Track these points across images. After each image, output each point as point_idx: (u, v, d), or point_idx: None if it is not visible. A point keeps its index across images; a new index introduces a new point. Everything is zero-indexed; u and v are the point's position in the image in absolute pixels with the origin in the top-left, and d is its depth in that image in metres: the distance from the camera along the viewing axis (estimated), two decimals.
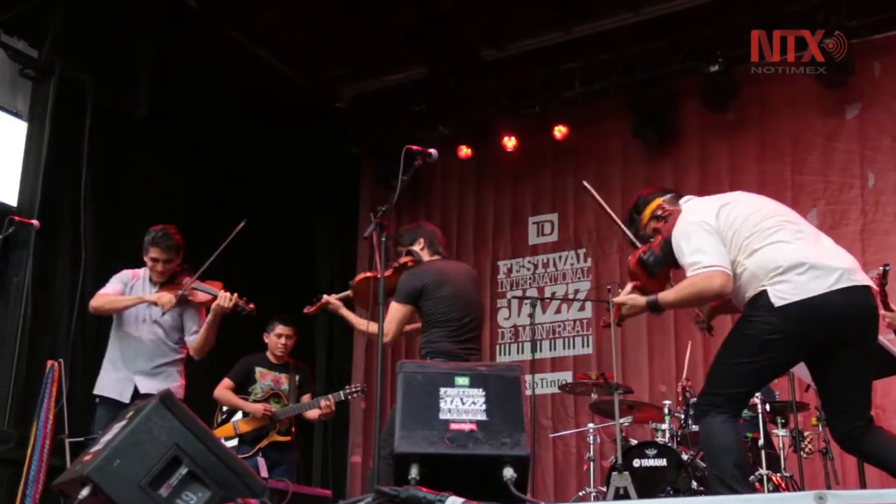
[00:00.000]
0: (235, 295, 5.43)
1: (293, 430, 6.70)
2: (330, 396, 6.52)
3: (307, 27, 8.78)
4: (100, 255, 7.23)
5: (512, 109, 9.36)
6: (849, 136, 8.07)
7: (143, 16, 7.79)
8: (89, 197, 7.26)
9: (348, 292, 5.43)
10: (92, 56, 7.50)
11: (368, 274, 5.37)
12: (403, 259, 5.33)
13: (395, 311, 5.11)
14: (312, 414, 6.59)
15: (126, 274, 5.65)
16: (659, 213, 4.26)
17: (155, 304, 5.39)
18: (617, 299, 4.23)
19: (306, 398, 6.71)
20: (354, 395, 6.64)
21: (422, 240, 5.40)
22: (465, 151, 9.54)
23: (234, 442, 6.48)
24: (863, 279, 3.87)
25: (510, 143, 9.37)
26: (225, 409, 6.66)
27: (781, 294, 3.74)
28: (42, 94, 7.32)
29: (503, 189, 9.72)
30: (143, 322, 5.50)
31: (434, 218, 9.96)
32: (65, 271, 7.18)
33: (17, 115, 7.35)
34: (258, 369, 6.65)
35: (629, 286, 4.27)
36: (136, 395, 5.35)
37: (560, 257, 9.27)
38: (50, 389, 6.08)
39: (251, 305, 5.52)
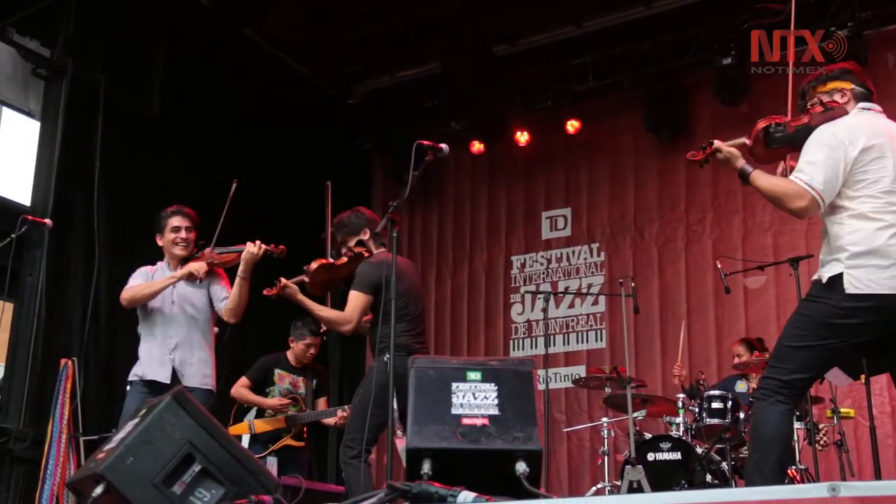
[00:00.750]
0: (262, 243, 5.31)
1: (305, 433, 6.70)
2: (346, 407, 6.46)
3: (319, 24, 8.78)
4: (113, 254, 7.26)
5: (524, 104, 9.35)
6: None
7: (155, 14, 7.82)
8: (102, 196, 7.28)
9: (303, 277, 5.27)
10: (104, 55, 7.53)
11: (324, 261, 5.31)
12: (358, 248, 5.25)
13: (358, 300, 5.08)
14: (329, 420, 6.59)
15: (144, 269, 5.55)
16: (837, 96, 4.04)
17: (190, 276, 5.29)
18: (719, 143, 4.01)
19: (322, 401, 6.71)
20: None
21: (367, 230, 5.34)
22: (477, 147, 9.55)
23: (248, 440, 6.48)
24: None
25: (523, 138, 9.36)
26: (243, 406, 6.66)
27: (856, 282, 3.61)
28: (54, 93, 7.35)
29: (516, 184, 9.71)
30: (173, 303, 5.38)
31: (447, 213, 9.98)
32: (78, 270, 7.21)
33: (29, 114, 7.39)
34: (277, 371, 6.63)
35: (740, 140, 4.07)
36: (175, 379, 5.21)
37: (573, 252, 9.26)
38: (64, 387, 6.11)
39: (281, 247, 5.40)
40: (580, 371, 8.58)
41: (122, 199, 7.61)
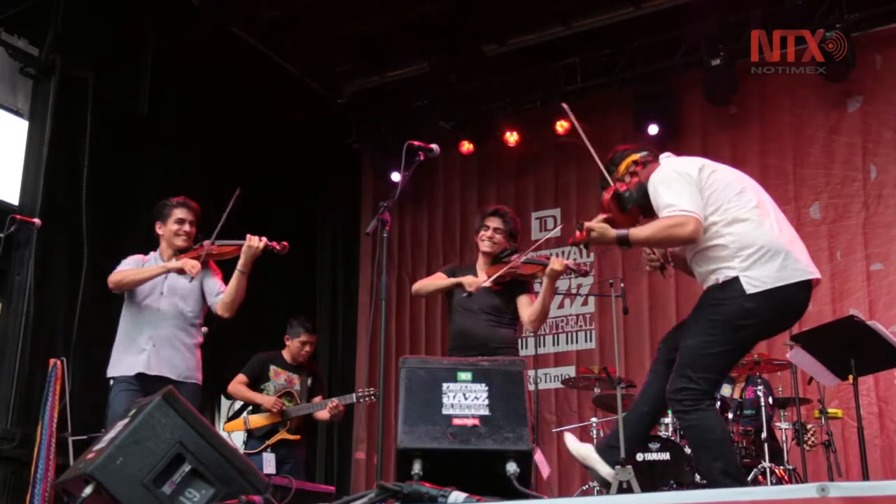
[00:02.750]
0: (265, 238, 5.24)
1: (303, 428, 6.71)
2: (335, 399, 6.51)
3: (309, 23, 8.78)
4: (101, 253, 7.22)
5: (514, 104, 9.36)
6: (851, 129, 8.06)
7: (144, 13, 7.80)
8: (90, 195, 7.26)
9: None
10: (92, 54, 7.51)
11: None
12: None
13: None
14: (322, 414, 6.60)
15: (135, 257, 5.43)
16: (633, 168, 4.29)
17: (181, 271, 5.14)
18: (589, 224, 4.11)
19: (317, 400, 6.74)
20: (366, 399, 6.63)
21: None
22: (467, 146, 9.54)
23: (243, 436, 6.50)
24: (816, 272, 3.93)
25: (512, 137, 9.35)
26: (237, 404, 6.67)
27: (753, 281, 3.77)
28: (43, 92, 7.33)
29: (505, 184, 9.71)
30: (161, 294, 5.27)
31: (437, 213, 9.98)
32: (66, 269, 7.19)
33: (17, 113, 7.36)
34: (273, 367, 6.66)
35: (601, 216, 4.20)
36: (158, 372, 5.12)
37: (563, 252, 9.24)
38: (54, 388, 6.09)
39: (283, 243, 5.30)
40: (570, 371, 8.59)
41: (111, 197, 7.59)
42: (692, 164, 4.04)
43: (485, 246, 5.45)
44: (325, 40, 9.14)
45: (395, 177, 8.96)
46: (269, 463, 6.31)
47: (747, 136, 8.45)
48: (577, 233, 4.18)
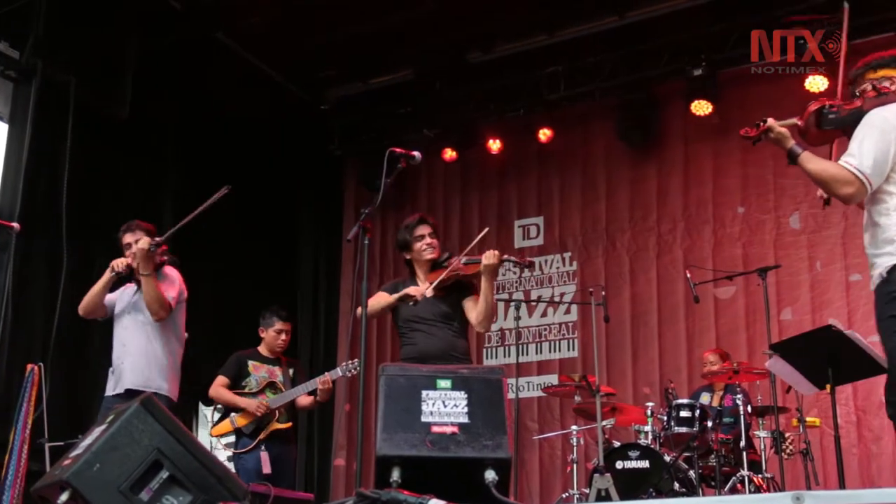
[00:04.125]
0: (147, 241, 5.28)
1: (292, 414, 6.63)
2: (326, 374, 6.43)
3: (293, 29, 8.76)
4: (80, 258, 7.18)
5: (497, 112, 9.38)
6: None
7: (127, 17, 7.76)
8: (70, 199, 7.20)
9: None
10: (74, 57, 7.45)
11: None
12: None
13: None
14: (306, 401, 6.50)
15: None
16: (886, 83, 3.90)
17: (111, 269, 5.25)
18: (772, 122, 3.97)
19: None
20: (351, 371, 6.52)
21: None
22: (450, 154, 9.55)
23: (233, 438, 6.38)
24: None
25: (495, 145, 9.37)
26: (220, 406, 6.57)
27: None
28: (23, 95, 7.27)
29: (488, 192, 9.72)
30: (128, 313, 5.38)
31: None
32: (45, 274, 7.14)
33: None
34: (251, 363, 6.49)
35: (792, 120, 4.01)
36: (124, 392, 5.19)
37: (546, 261, 9.28)
38: (30, 393, 6.04)
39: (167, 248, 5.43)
40: (553, 380, 8.59)
41: (91, 202, 7.55)
42: None
43: (428, 253, 5.27)
44: (308, 46, 9.13)
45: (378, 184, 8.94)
46: (265, 463, 6.21)
47: (728, 146, 8.47)
48: (753, 127, 4.05)
